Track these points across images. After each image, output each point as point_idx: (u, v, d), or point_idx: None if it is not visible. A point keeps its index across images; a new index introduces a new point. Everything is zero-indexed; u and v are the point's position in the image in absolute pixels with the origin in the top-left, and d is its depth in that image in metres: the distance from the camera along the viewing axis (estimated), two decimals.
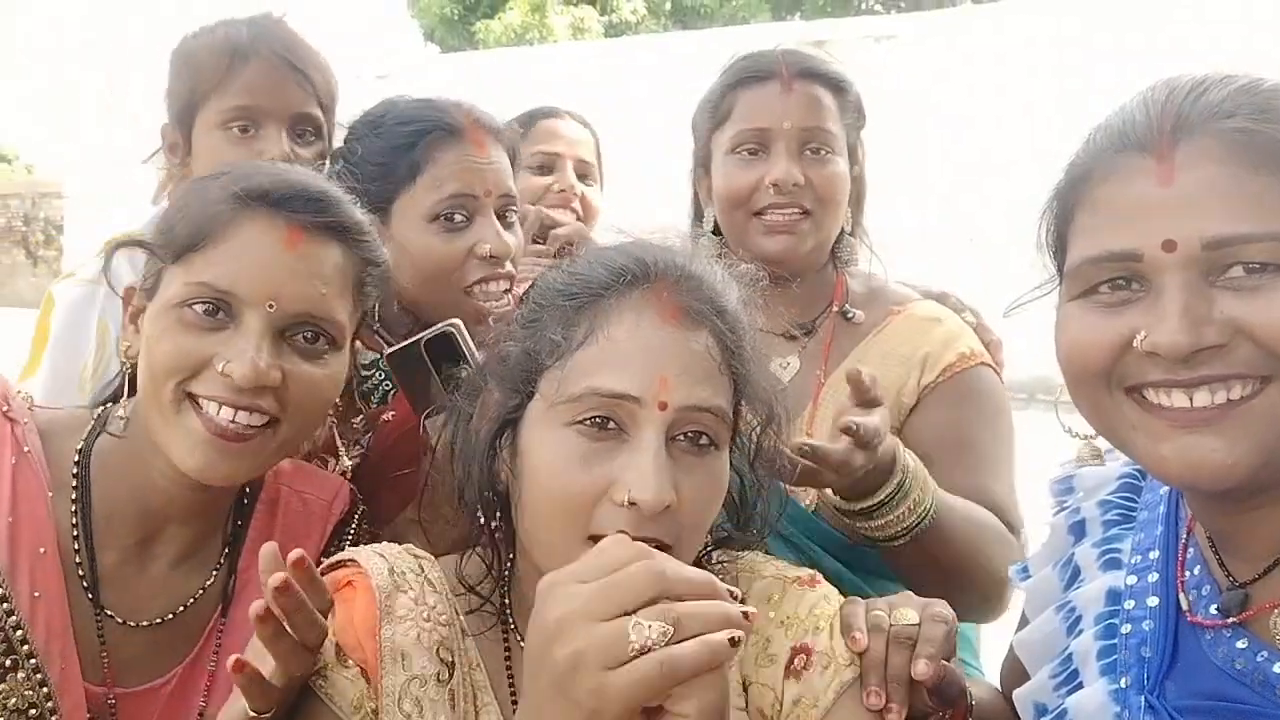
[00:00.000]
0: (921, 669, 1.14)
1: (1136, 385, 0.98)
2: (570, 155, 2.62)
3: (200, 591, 1.41)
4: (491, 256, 1.72)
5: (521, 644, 1.21)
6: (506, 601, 1.25)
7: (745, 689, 1.21)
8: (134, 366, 1.37)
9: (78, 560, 1.34)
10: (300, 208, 1.32)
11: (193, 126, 1.96)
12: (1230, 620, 1.03)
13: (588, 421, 1.11)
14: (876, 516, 1.50)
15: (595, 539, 1.08)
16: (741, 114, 1.84)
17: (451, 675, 1.20)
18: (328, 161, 1.94)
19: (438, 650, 1.19)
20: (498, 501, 1.22)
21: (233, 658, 1.08)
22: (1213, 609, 1.05)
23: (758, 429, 1.24)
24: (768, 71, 1.84)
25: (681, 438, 1.12)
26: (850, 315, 1.88)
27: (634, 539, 1.03)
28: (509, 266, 1.75)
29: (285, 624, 1.08)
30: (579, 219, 2.54)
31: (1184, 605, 1.08)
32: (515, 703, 1.21)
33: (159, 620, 1.38)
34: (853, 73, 1.93)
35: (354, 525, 1.49)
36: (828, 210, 1.83)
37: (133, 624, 1.37)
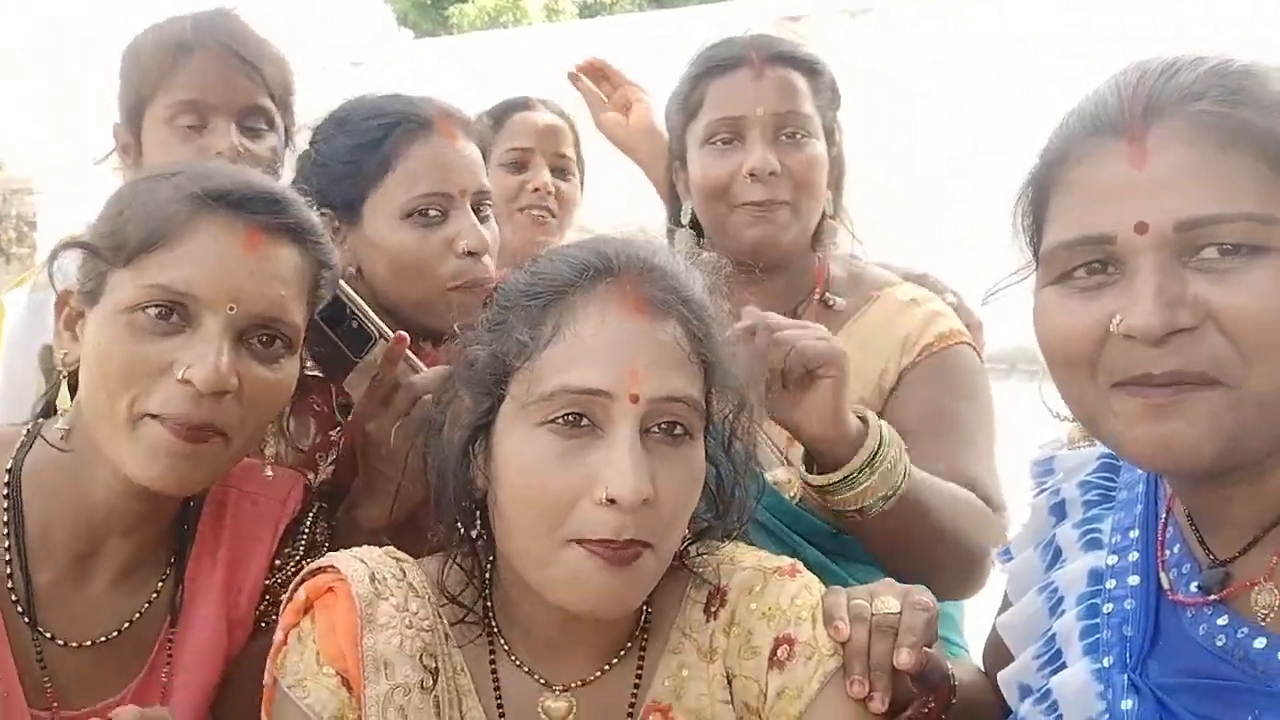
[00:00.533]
0: (904, 659, 1.14)
1: (1123, 383, 0.98)
2: (544, 150, 2.55)
3: (146, 605, 1.37)
4: (469, 252, 1.70)
5: (505, 648, 1.22)
6: (489, 605, 1.24)
7: (730, 682, 1.21)
8: (72, 375, 1.32)
9: (10, 584, 1.29)
10: (259, 209, 1.29)
11: (142, 125, 1.94)
12: (1211, 598, 1.03)
13: (560, 420, 1.11)
14: (854, 485, 1.50)
15: (574, 543, 1.09)
16: (713, 103, 1.82)
17: (435, 682, 1.19)
18: (285, 154, 1.92)
19: (421, 657, 1.18)
20: (475, 509, 1.21)
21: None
22: (1193, 586, 1.06)
23: (731, 416, 1.24)
24: (737, 59, 1.82)
25: (656, 429, 1.12)
26: (831, 302, 1.87)
27: (616, 544, 1.06)
28: (486, 261, 1.73)
29: None
30: (553, 216, 2.49)
31: (1165, 584, 1.08)
32: (501, 709, 1.21)
33: (103, 639, 1.34)
34: (826, 48, 1.92)
35: (308, 524, 1.46)
36: (807, 196, 1.81)
37: (75, 644, 1.33)
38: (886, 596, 1.20)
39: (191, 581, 1.39)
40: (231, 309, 1.25)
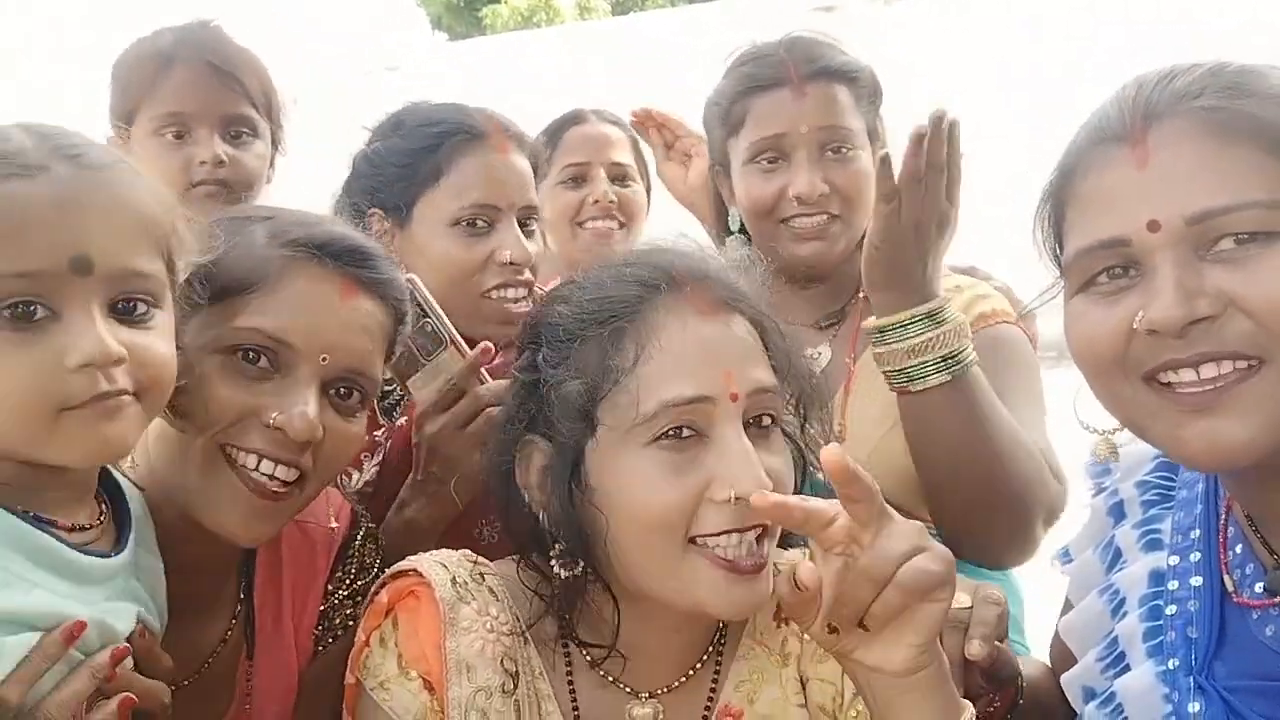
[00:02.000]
0: (975, 649, 1.14)
1: (1151, 371, 0.98)
2: (602, 161, 2.52)
3: (221, 643, 1.36)
4: (511, 264, 1.71)
5: (586, 656, 1.22)
6: (567, 616, 1.23)
7: (804, 685, 1.21)
8: None
9: None
10: (352, 261, 1.29)
11: (130, 137, 1.98)
12: (1278, 599, 1.02)
13: (668, 435, 1.11)
14: (909, 335, 1.51)
15: (694, 540, 1.10)
16: (755, 122, 1.79)
17: (516, 686, 1.20)
18: (275, 160, 1.97)
19: (502, 661, 1.20)
20: (582, 543, 1.18)
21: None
22: (1258, 588, 1.05)
23: (799, 403, 1.24)
24: (776, 77, 1.78)
25: (752, 423, 1.14)
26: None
27: (742, 529, 1.08)
28: (528, 274, 1.75)
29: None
30: (622, 226, 2.48)
31: (1229, 587, 1.07)
32: (577, 713, 1.22)
33: (185, 681, 1.30)
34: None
35: (356, 545, 1.46)
36: (855, 210, 1.78)
37: None
38: (958, 592, 1.17)
39: (260, 612, 1.39)
40: (324, 359, 1.24)
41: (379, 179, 1.77)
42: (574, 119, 2.59)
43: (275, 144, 2.07)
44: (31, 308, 0.99)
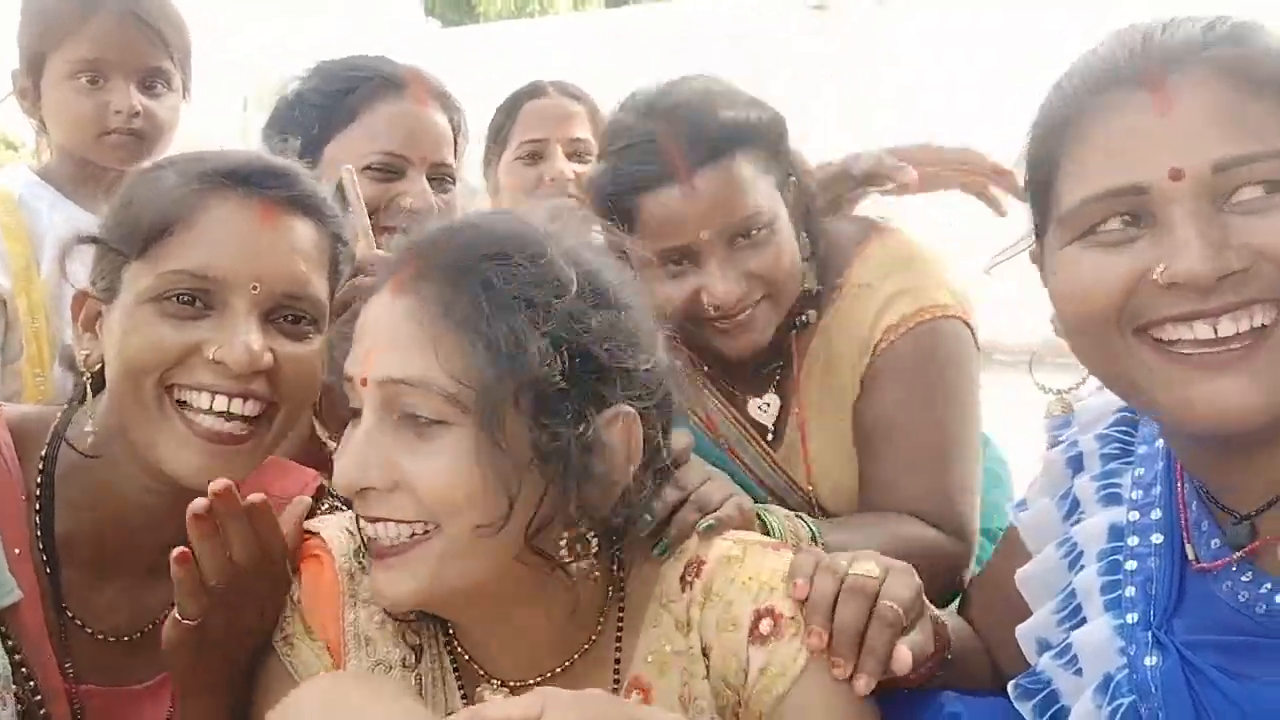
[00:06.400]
0: (903, 661, 1.05)
1: (1151, 323, 0.95)
2: (559, 137, 2.49)
3: (172, 603, 1.33)
4: (413, 211, 1.68)
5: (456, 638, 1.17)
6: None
7: (706, 655, 1.13)
8: (95, 375, 1.28)
9: (48, 570, 1.28)
10: (269, 183, 1.26)
11: (42, 74, 2.00)
12: (1236, 556, 1.01)
13: None
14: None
15: None
16: (648, 229, 1.54)
17: (419, 660, 1.17)
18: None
19: (405, 635, 1.17)
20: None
21: (177, 550, 1.08)
22: (1214, 544, 1.04)
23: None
24: (661, 173, 1.53)
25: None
26: (806, 320, 1.70)
27: None
28: None
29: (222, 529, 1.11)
30: (581, 203, 2.49)
31: (1190, 554, 1.06)
32: (464, 697, 1.17)
33: (126, 637, 1.32)
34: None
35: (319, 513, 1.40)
36: (782, 287, 1.61)
37: (101, 636, 1.31)
38: (867, 561, 1.11)
39: None
40: (255, 288, 1.22)
41: (292, 117, 1.75)
42: (532, 92, 2.56)
43: (185, 93, 2.10)
44: None
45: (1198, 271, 0.91)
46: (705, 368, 1.72)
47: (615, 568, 1.18)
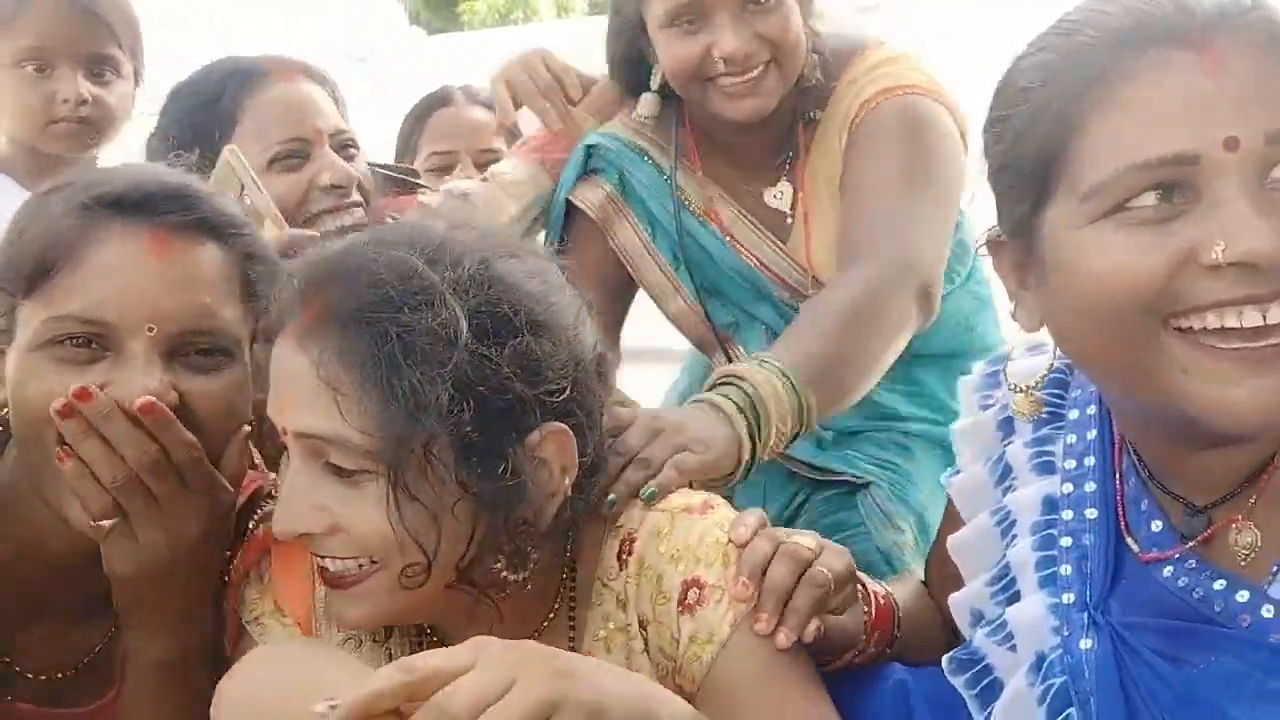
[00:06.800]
0: (811, 630, 1.08)
1: (1191, 310, 0.85)
2: (470, 149, 2.31)
3: (106, 639, 1.26)
4: (334, 186, 1.64)
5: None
6: None
7: (644, 628, 1.14)
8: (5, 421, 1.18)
9: None
10: (163, 208, 1.13)
11: None
12: (1188, 547, 0.96)
13: None
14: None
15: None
16: None
17: (389, 635, 1.18)
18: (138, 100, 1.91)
19: None
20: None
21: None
22: (1155, 525, 0.99)
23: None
24: None
25: None
26: (812, 116, 1.79)
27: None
28: (356, 195, 1.67)
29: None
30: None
31: (1130, 543, 1.01)
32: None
33: (60, 674, 1.25)
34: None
35: (259, 509, 1.31)
36: (788, 54, 1.69)
37: (30, 675, 1.24)
38: (806, 537, 1.14)
39: None
40: (151, 329, 1.10)
41: (171, 148, 1.58)
42: (440, 100, 2.39)
43: (139, 80, 2.07)
44: None
45: (1262, 250, 0.82)
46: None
47: (567, 548, 1.18)
